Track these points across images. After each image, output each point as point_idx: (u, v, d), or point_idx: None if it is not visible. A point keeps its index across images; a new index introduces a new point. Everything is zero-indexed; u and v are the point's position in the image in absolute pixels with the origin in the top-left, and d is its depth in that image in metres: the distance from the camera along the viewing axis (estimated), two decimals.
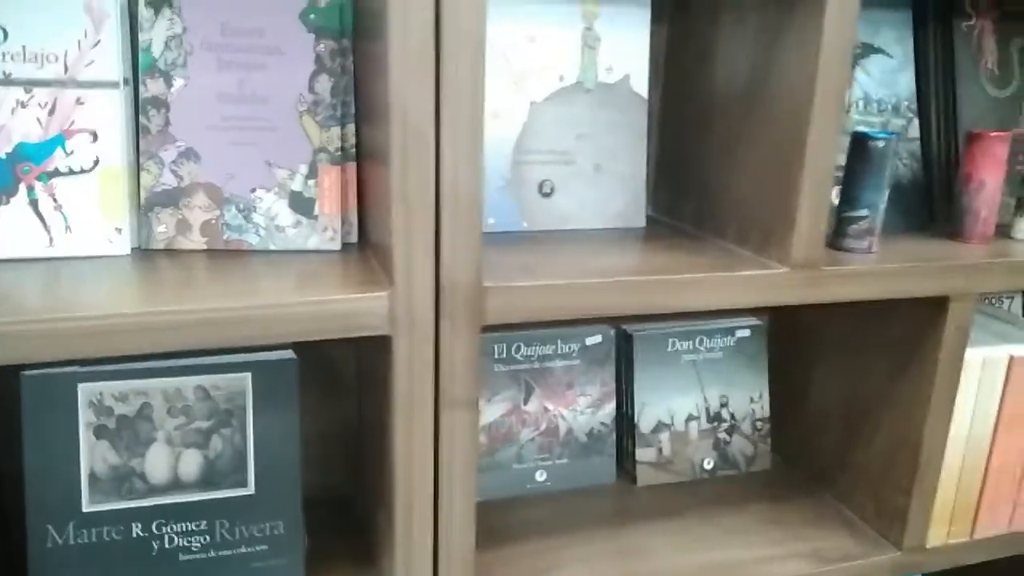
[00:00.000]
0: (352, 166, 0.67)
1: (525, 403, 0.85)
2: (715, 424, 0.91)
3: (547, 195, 0.77)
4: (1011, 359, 0.77)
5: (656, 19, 0.82)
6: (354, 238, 0.68)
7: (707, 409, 0.90)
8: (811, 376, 0.91)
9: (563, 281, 0.58)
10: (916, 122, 0.84)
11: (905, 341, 0.77)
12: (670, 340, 0.89)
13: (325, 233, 0.65)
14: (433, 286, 0.55)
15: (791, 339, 0.94)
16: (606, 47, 0.77)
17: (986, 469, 0.80)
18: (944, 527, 0.80)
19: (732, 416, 0.92)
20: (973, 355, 0.76)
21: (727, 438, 0.92)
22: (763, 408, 0.93)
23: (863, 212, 0.71)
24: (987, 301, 1.00)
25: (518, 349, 0.84)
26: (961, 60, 0.87)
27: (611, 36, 0.77)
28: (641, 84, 0.78)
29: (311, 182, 0.65)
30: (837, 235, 0.73)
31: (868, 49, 0.82)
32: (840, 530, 0.82)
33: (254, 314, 0.52)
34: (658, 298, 0.61)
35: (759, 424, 0.93)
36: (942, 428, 0.75)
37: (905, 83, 0.84)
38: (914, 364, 0.76)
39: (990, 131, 0.76)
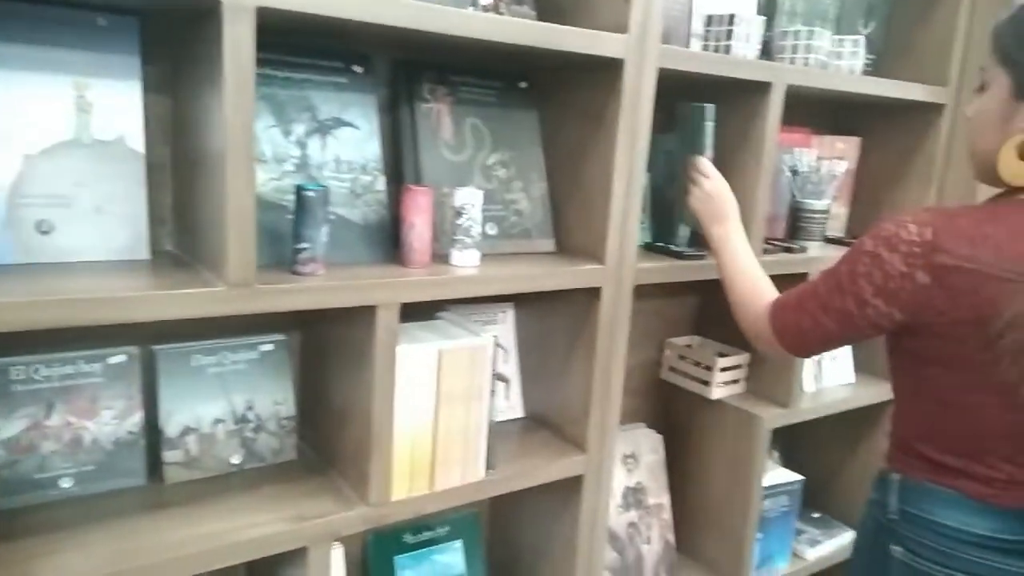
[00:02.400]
0: None
1: (47, 418, 0.95)
2: (241, 425, 1.08)
3: (45, 233, 0.90)
4: (440, 352, 1.04)
5: (156, 90, 1.00)
6: None
7: (233, 412, 1.08)
8: (325, 379, 1.13)
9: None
10: (382, 178, 1.11)
11: (358, 343, 1.01)
12: (194, 356, 1.05)
13: None
14: None
15: (314, 351, 1.16)
16: (99, 112, 0.92)
17: (434, 437, 1.06)
18: (406, 484, 1.05)
19: (258, 417, 1.10)
20: (410, 350, 1.02)
21: (253, 436, 1.09)
22: (288, 408, 1.12)
23: (305, 245, 0.94)
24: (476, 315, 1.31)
25: (38, 371, 0.95)
26: (423, 133, 1.16)
27: (104, 103, 0.93)
28: (136, 142, 0.95)
29: None
30: (292, 262, 0.95)
31: (339, 122, 1.07)
32: (329, 496, 1.03)
33: None
34: (99, 313, 0.77)
35: (284, 422, 1.12)
36: (387, 407, 1.00)
37: (372, 149, 1.10)
38: (364, 361, 1.00)
39: (415, 186, 1.05)
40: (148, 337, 1.03)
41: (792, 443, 1.84)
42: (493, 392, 1.12)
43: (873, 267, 0.94)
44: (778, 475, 1.65)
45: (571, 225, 1.25)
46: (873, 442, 1.78)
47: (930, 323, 0.93)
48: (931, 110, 1.63)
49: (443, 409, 1.06)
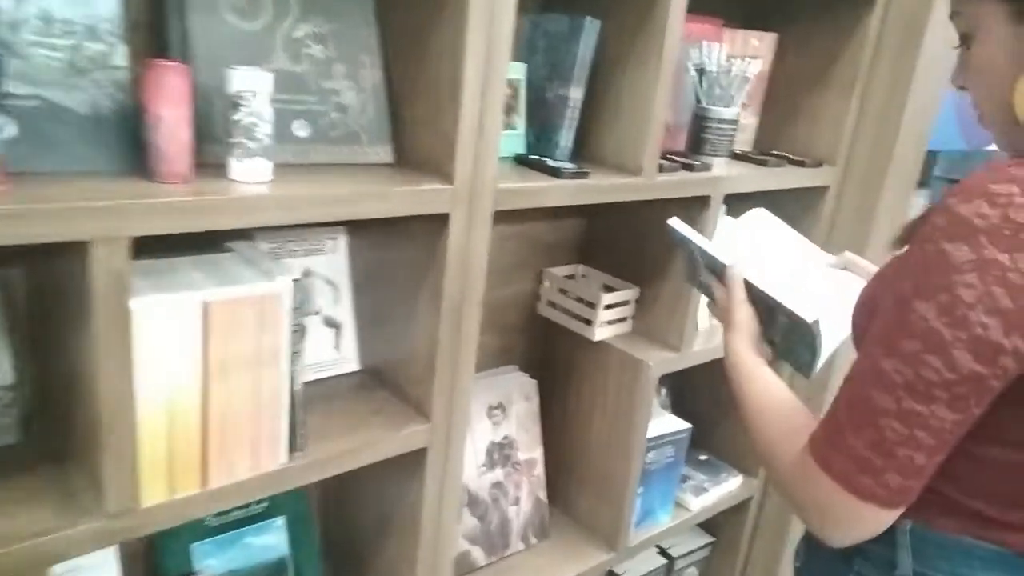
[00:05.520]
0: None
1: None
2: None
3: None
4: (206, 305, 0.74)
5: None
6: None
7: None
8: (51, 338, 0.81)
9: None
10: (123, 49, 0.76)
11: (76, 292, 0.69)
12: None
13: None
14: None
15: (40, 298, 0.83)
16: None
17: (205, 418, 0.78)
18: (163, 483, 0.77)
19: None
20: (153, 303, 0.71)
21: None
22: (3, 375, 0.80)
23: None
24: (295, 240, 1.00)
25: None
26: None
27: None
28: None
29: None
30: None
31: None
32: (51, 502, 0.74)
33: None
34: None
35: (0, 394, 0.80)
36: (121, 381, 0.70)
37: (105, 4, 0.75)
38: (84, 317, 0.69)
39: (164, 61, 0.71)
40: None
41: (682, 378, 1.66)
42: (297, 353, 0.83)
43: (991, 285, 0.56)
44: (664, 423, 1.46)
45: (415, 129, 0.95)
46: None
47: None
48: (861, 3, 1.38)
49: (216, 381, 0.77)
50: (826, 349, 0.85)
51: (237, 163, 0.76)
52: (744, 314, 0.85)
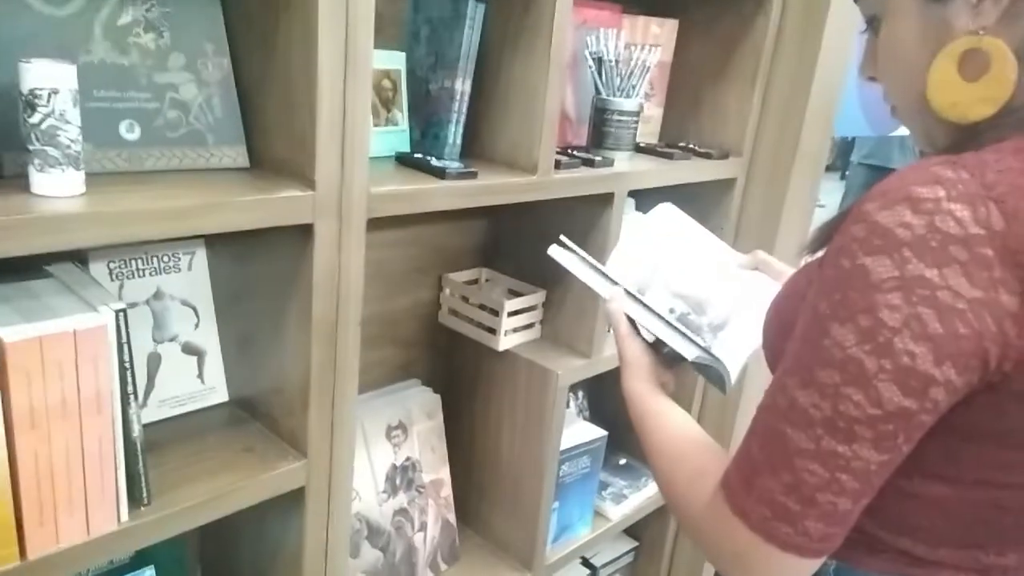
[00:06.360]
0: None
1: None
2: None
3: None
4: (2, 346, 0.62)
5: None
6: None
7: None
8: None
9: None
10: None
11: None
12: None
13: None
14: None
15: None
16: None
17: (14, 479, 0.65)
18: None
19: None
20: None
21: None
22: None
23: None
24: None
25: None
26: None
27: None
28: None
29: None
30: None
31: None
32: None
33: None
34: None
35: None
36: None
37: None
38: None
39: None
40: None
41: (597, 379, 1.59)
42: (131, 393, 0.71)
43: (918, 306, 0.48)
44: (579, 432, 1.39)
45: (270, 127, 0.84)
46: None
47: (1009, 379, 0.50)
48: None
49: (25, 435, 0.64)
50: (736, 364, 0.78)
51: (39, 174, 0.64)
52: (631, 349, 0.77)
